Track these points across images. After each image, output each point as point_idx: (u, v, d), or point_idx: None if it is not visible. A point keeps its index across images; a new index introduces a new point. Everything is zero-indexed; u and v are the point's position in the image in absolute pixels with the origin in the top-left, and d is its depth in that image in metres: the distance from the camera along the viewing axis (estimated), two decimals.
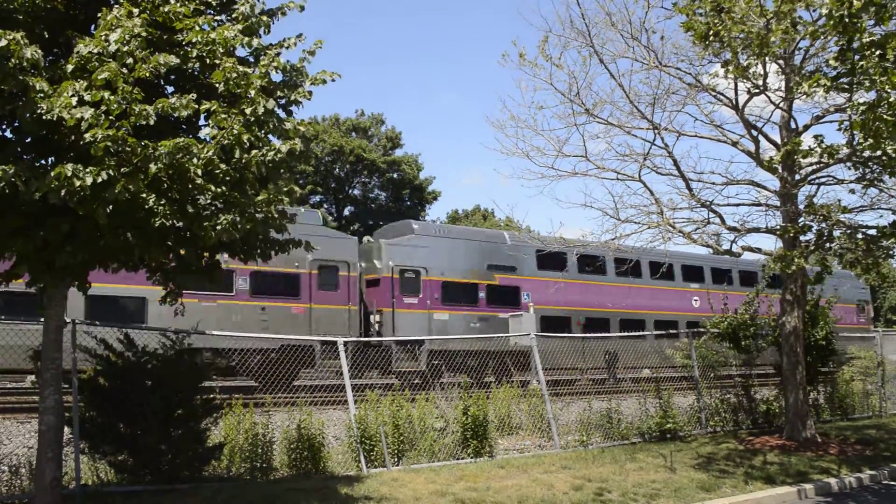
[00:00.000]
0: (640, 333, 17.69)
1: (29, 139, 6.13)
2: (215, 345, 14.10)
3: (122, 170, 5.47)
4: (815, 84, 8.82)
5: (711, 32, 9.68)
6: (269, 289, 17.29)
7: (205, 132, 6.01)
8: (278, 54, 6.65)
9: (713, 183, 12.00)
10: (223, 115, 5.87)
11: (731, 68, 10.15)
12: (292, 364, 13.82)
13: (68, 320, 7.48)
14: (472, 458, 10.13)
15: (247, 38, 6.40)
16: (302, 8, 7.01)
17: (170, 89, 6.67)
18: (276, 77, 6.77)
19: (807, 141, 10.80)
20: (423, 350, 18.75)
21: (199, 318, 13.47)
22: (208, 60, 6.12)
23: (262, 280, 17.14)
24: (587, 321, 22.23)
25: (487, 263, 20.86)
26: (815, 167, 11.27)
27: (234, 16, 6.74)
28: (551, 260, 20.27)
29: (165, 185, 5.85)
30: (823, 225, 10.47)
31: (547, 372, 11.76)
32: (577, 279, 22.02)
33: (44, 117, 5.36)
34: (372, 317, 18.98)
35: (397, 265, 19.22)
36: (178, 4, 6.06)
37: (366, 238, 20.84)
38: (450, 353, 18.76)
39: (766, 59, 10.03)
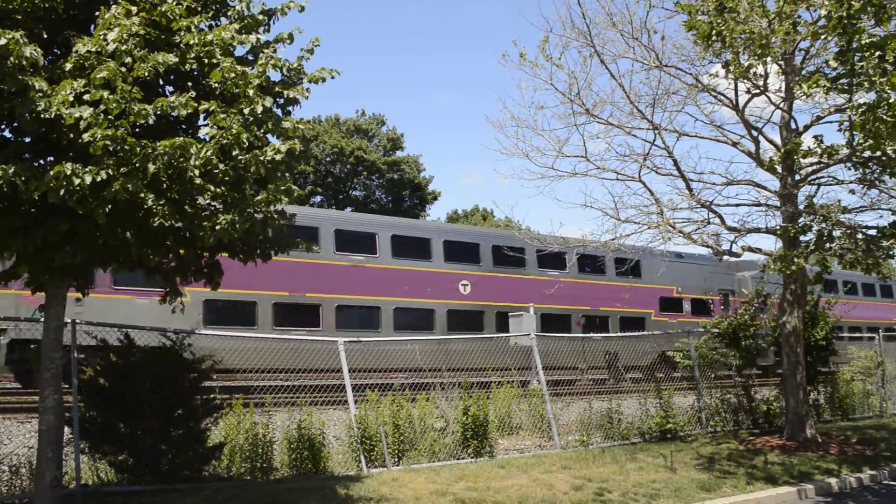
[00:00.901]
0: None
1: (28, 139, 6.12)
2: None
3: (122, 169, 5.45)
4: (814, 85, 8.82)
5: (714, 32, 9.67)
6: (700, 310, 23.47)
7: (204, 132, 5.98)
8: (275, 51, 6.62)
9: (713, 183, 12.07)
10: (222, 115, 5.86)
11: (731, 68, 10.15)
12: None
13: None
14: (472, 458, 10.12)
15: (244, 37, 6.38)
16: (302, 8, 6.98)
17: (169, 89, 6.66)
18: (275, 76, 6.77)
19: (807, 141, 10.81)
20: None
21: (660, 328, 22.02)
22: (206, 60, 6.11)
23: (696, 304, 24.37)
24: None
25: None
26: (814, 167, 11.27)
27: (229, 14, 6.72)
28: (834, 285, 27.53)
29: (164, 184, 5.83)
30: (823, 225, 10.47)
31: None
32: None
33: (42, 115, 5.35)
34: None
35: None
36: (174, 3, 6.04)
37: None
38: None
39: (768, 59, 10.02)
